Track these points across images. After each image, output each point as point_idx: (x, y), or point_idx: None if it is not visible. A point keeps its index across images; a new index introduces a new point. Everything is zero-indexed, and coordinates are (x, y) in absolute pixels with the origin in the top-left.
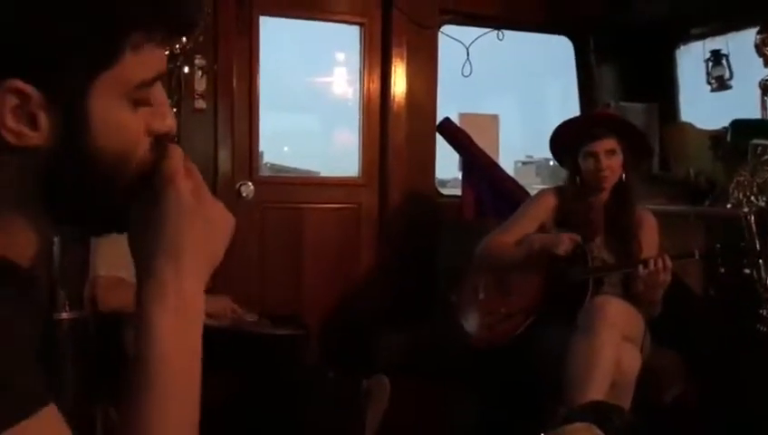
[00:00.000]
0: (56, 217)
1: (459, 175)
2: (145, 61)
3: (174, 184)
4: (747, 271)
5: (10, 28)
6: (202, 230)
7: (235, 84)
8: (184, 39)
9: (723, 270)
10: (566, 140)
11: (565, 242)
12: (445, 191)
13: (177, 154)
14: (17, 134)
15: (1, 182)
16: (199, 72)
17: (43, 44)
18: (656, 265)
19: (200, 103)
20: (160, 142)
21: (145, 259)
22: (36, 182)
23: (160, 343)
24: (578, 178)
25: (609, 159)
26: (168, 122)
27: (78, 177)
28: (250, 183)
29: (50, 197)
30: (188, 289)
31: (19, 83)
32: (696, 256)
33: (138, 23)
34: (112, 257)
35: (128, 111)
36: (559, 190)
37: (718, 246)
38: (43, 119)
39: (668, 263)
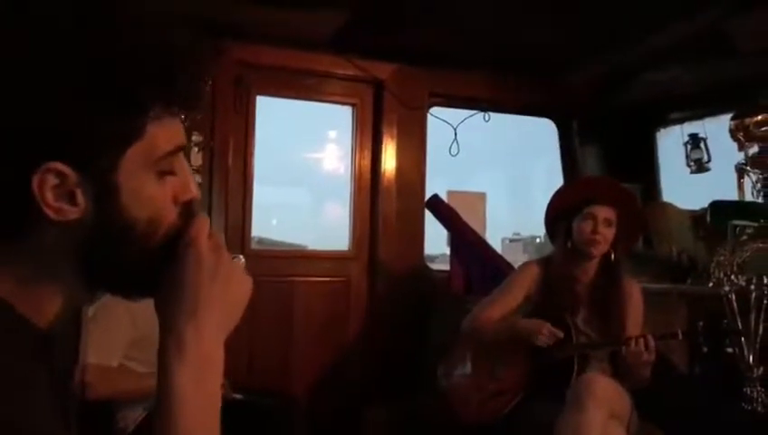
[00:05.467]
0: (90, 284)
1: (447, 251)
2: (165, 133)
3: (195, 245)
4: (730, 350)
5: (47, 117)
6: (221, 288)
7: (230, 160)
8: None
9: (705, 349)
10: (572, 197)
11: (545, 335)
12: (433, 266)
13: (201, 220)
14: (57, 210)
15: (37, 251)
16: (196, 148)
17: (76, 129)
18: (637, 344)
19: (196, 178)
20: (187, 209)
21: (166, 316)
22: (72, 252)
23: (180, 396)
24: (569, 243)
25: (605, 228)
26: (191, 191)
27: (111, 245)
28: (241, 256)
29: (85, 265)
30: (207, 344)
31: (57, 165)
32: (680, 337)
33: (155, 97)
34: (103, 346)
35: (154, 181)
36: (543, 262)
37: (700, 324)
38: (79, 195)
39: (652, 343)
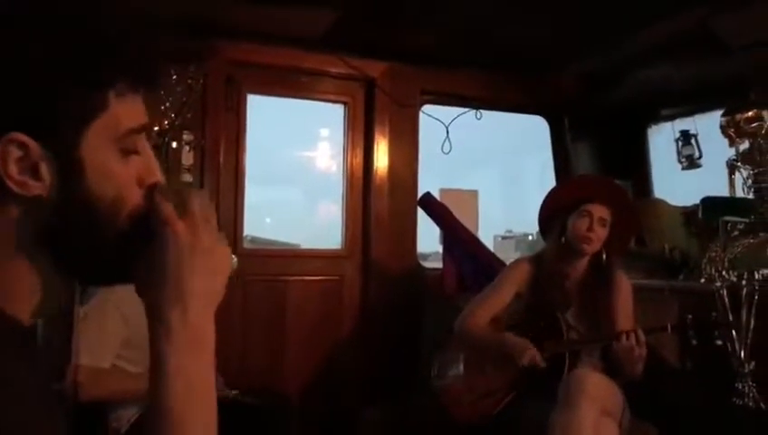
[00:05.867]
0: (59, 268)
1: (440, 249)
2: (128, 111)
3: (169, 226)
4: (719, 343)
5: (9, 88)
6: (202, 266)
7: (221, 159)
8: (173, 115)
9: (695, 342)
10: (570, 194)
11: (529, 358)
12: (426, 264)
13: (165, 201)
14: (21, 184)
15: (3, 231)
16: (187, 147)
17: (38, 100)
18: (628, 339)
19: (187, 177)
20: (152, 192)
21: (151, 302)
22: (38, 230)
23: (172, 380)
24: (563, 238)
25: (599, 228)
26: (156, 175)
27: (76, 222)
28: (233, 256)
29: (51, 244)
30: (194, 325)
31: (20, 136)
32: (669, 330)
33: (118, 73)
34: (95, 347)
35: (117, 159)
36: (534, 259)
37: (689, 317)
38: (43, 169)
39: (642, 337)
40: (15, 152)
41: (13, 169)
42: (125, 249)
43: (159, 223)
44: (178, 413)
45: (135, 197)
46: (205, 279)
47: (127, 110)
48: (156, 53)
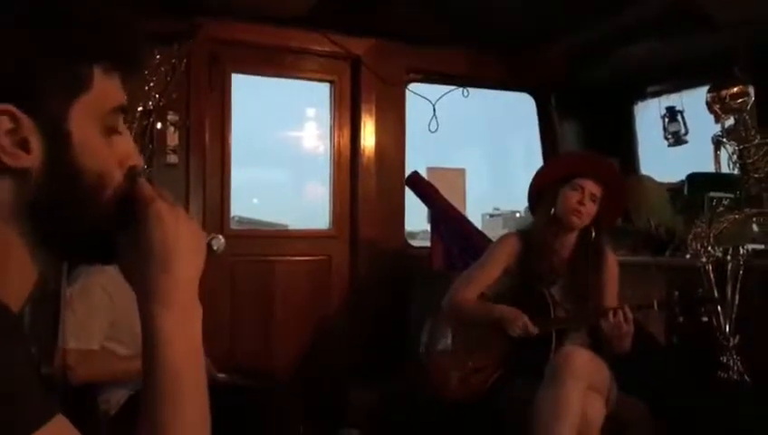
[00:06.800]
0: (45, 246)
1: (428, 227)
2: (110, 90)
3: (154, 205)
4: (705, 319)
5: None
6: (186, 242)
7: (207, 139)
8: (157, 95)
9: (681, 319)
10: (564, 168)
11: (520, 327)
12: (415, 243)
13: (146, 183)
14: (13, 156)
15: None
16: (172, 128)
17: (27, 74)
18: (615, 316)
19: (172, 158)
20: (132, 175)
21: (142, 276)
22: (24, 205)
23: (169, 345)
24: (553, 210)
25: (590, 202)
26: (136, 157)
27: (61, 195)
28: (221, 236)
29: (36, 219)
30: (184, 295)
31: (10, 107)
32: (655, 307)
33: (103, 52)
34: (83, 329)
35: (101, 137)
36: (522, 234)
37: (676, 294)
38: (34, 142)
39: (629, 315)
40: (6, 124)
41: (4, 140)
42: (108, 229)
43: (144, 203)
44: (171, 368)
45: (118, 177)
46: (188, 251)
47: (110, 88)
48: (136, 33)
